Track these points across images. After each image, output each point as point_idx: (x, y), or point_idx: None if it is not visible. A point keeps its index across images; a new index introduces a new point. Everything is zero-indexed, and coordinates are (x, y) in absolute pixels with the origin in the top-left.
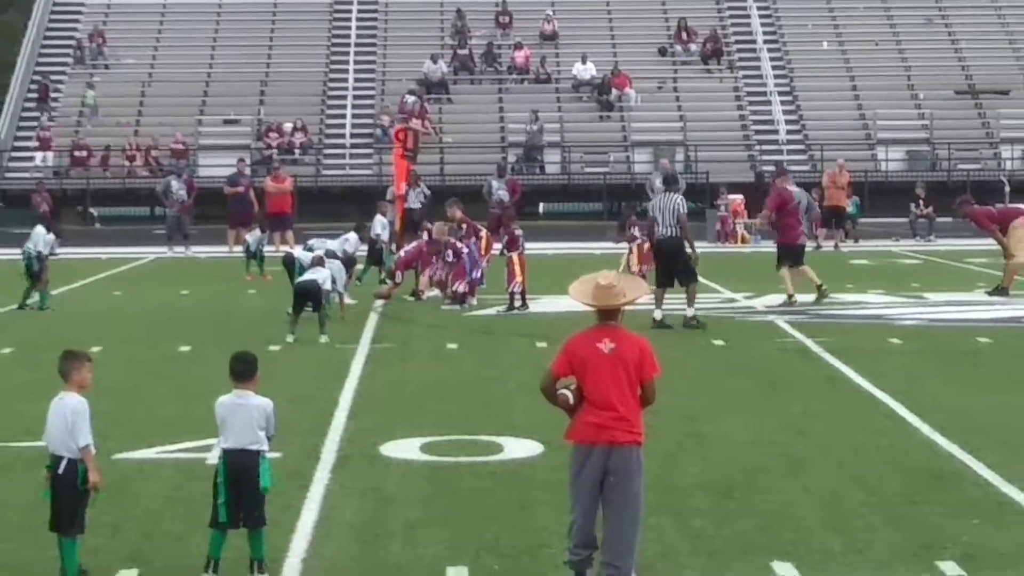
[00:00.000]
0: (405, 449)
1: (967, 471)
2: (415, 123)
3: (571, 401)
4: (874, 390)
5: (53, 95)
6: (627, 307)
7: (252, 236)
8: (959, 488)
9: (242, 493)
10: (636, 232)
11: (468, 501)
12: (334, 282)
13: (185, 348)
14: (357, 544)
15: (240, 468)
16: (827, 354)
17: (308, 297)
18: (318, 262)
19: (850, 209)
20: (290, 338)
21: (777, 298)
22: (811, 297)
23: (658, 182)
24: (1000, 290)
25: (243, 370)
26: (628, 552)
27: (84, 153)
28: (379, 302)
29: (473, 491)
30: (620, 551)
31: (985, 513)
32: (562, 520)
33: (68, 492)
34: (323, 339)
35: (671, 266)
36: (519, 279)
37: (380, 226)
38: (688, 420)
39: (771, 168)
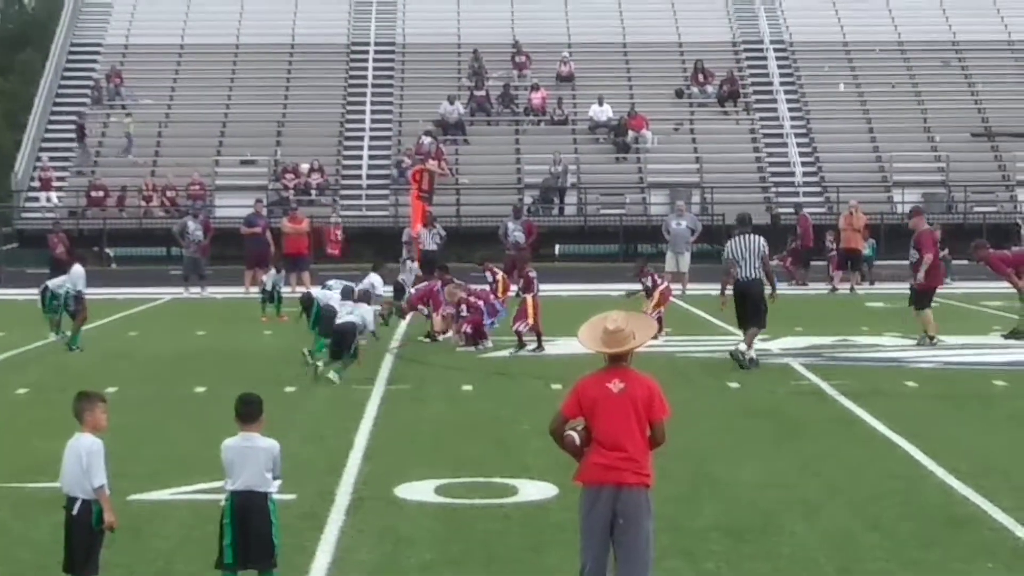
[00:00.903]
0: (419, 491)
1: (982, 515)
2: (432, 164)
3: (577, 442)
4: (889, 433)
5: (71, 134)
6: (638, 349)
7: (269, 276)
8: (974, 532)
9: (249, 535)
10: (652, 280)
11: (482, 543)
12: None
13: (201, 389)
14: None
15: (247, 510)
16: (842, 396)
17: (345, 338)
18: (363, 297)
19: (866, 251)
20: (314, 370)
21: (793, 340)
22: (830, 340)
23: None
24: (1016, 333)
25: (248, 412)
26: None
27: (101, 193)
28: (395, 343)
29: (487, 533)
30: None
31: (1000, 557)
32: (575, 562)
33: (82, 533)
34: (335, 377)
35: (746, 306)
36: (530, 320)
37: (410, 271)
38: (702, 462)
39: (788, 210)
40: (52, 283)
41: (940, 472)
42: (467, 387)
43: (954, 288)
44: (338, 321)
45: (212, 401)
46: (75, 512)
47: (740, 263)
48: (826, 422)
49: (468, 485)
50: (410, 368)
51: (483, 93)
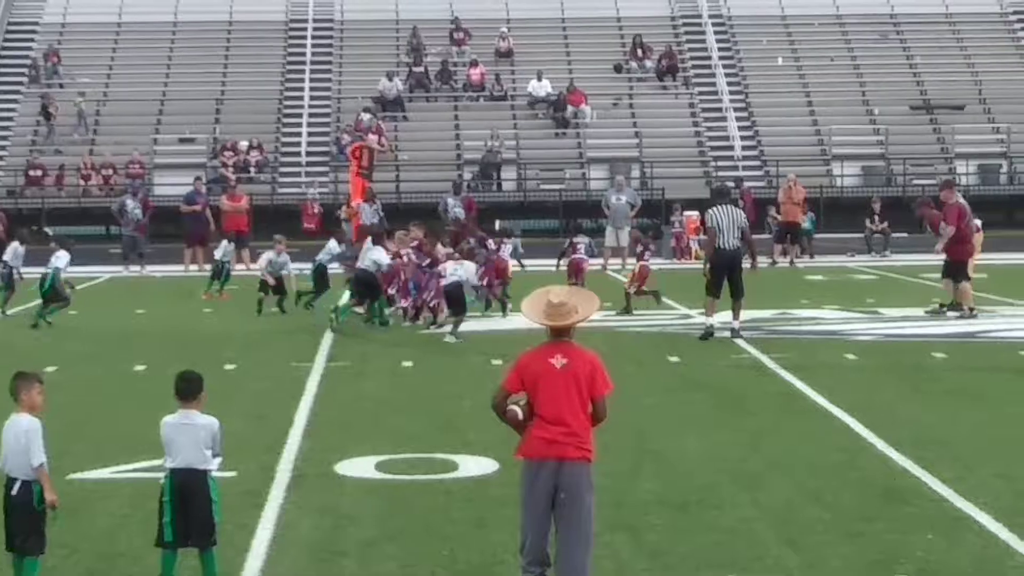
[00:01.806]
0: (360, 467)
1: (922, 486)
2: (371, 139)
3: (520, 417)
4: (829, 405)
5: (8, 114)
6: (581, 323)
7: (221, 248)
8: (914, 503)
9: (189, 513)
10: (642, 248)
11: (423, 519)
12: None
13: (141, 367)
14: (312, 562)
15: (187, 488)
16: (782, 370)
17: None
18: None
19: (806, 225)
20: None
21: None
22: (770, 314)
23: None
24: (954, 306)
25: (188, 389)
26: (581, 569)
27: (39, 172)
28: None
29: (428, 509)
30: (573, 568)
31: (940, 528)
32: (517, 537)
33: (24, 513)
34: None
35: (731, 278)
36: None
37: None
38: (643, 436)
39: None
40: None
41: (880, 444)
42: (407, 363)
43: (893, 261)
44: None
45: (153, 379)
46: (14, 492)
47: (721, 232)
48: (767, 396)
49: (409, 461)
50: (351, 345)
51: (422, 69)
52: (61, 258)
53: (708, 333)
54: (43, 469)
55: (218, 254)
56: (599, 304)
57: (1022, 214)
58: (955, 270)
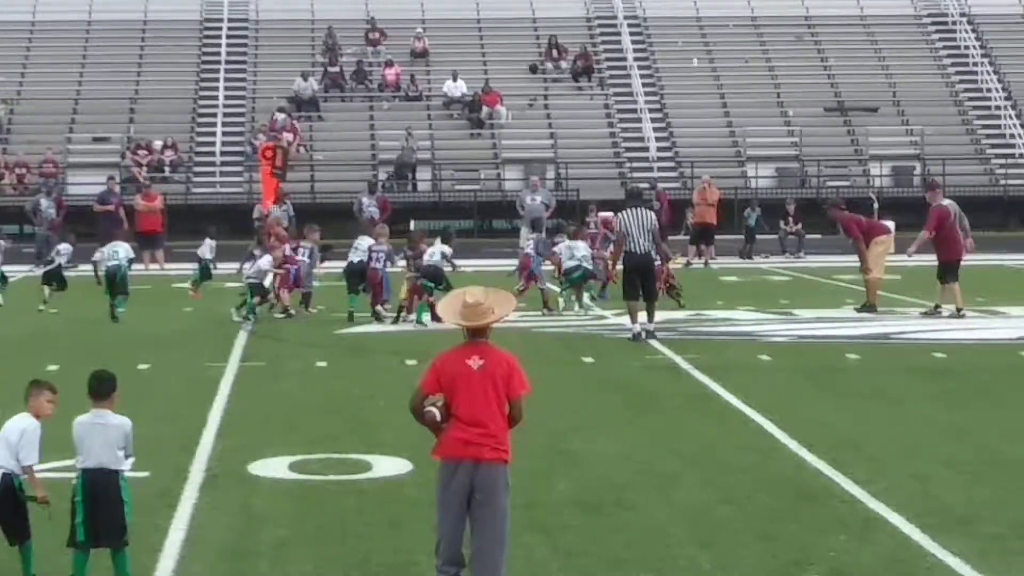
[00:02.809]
0: (274, 468)
1: (835, 487)
2: (286, 136)
3: (438, 418)
4: (743, 407)
5: None
6: (496, 324)
7: (206, 245)
8: (827, 504)
9: (100, 513)
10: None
11: (337, 519)
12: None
13: (53, 367)
14: (225, 563)
15: (98, 488)
16: (696, 371)
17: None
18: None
19: (750, 222)
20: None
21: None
22: (684, 315)
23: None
24: (867, 307)
25: (101, 389)
26: (496, 570)
27: None
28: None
29: (342, 509)
30: (488, 568)
31: (852, 529)
32: (431, 538)
33: (3, 503)
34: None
35: (643, 282)
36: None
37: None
38: (557, 437)
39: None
40: None
41: (793, 445)
42: (321, 363)
43: (807, 262)
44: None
45: (65, 379)
46: None
47: (631, 236)
48: (680, 396)
49: (323, 461)
50: (264, 345)
51: (337, 69)
52: (64, 252)
53: (636, 335)
54: (32, 470)
55: (204, 252)
56: (515, 304)
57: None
58: (945, 271)
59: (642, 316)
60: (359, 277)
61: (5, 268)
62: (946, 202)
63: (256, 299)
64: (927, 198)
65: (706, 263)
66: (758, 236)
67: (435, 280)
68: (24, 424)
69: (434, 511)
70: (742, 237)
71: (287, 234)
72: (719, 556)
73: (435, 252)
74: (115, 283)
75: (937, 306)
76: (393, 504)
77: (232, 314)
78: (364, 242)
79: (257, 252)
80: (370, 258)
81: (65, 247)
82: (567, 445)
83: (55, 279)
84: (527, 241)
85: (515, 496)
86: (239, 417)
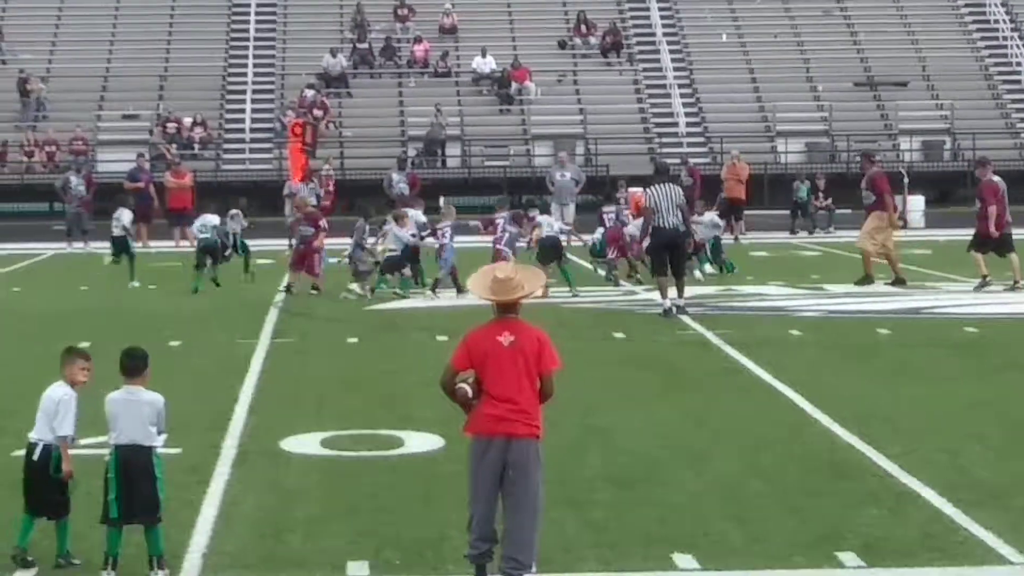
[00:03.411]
0: (305, 444)
1: (866, 461)
2: (316, 114)
3: (469, 395)
4: (774, 381)
5: None
6: (526, 300)
7: (234, 221)
8: (858, 479)
9: (134, 489)
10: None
11: (369, 495)
12: None
13: (85, 344)
14: (258, 539)
15: (131, 464)
16: (727, 346)
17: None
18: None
19: (801, 194)
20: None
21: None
22: (714, 290)
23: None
24: (898, 281)
25: (133, 365)
26: (528, 545)
27: None
28: (280, 296)
29: (374, 485)
30: (520, 544)
31: (884, 503)
32: (463, 513)
33: (44, 476)
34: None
35: (672, 257)
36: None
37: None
38: (588, 413)
39: (673, 160)
40: None
41: (825, 420)
42: (352, 340)
43: (837, 237)
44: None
45: (97, 356)
46: (36, 457)
47: (659, 212)
48: (711, 372)
49: (354, 437)
50: (295, 321)
51: (366, 46)
52: (124, 215)
53: (667, 311)
54: (66, 441)
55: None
56: (544, 281)
57: (965, 190)
58: (999, 244)
59: (672, 291)
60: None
61: (34, 246)
62: (996, 178)
63: (393, 273)
64: (977, 174)
65: (736, 238)
66: (807, 211)
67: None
68: (60, 393)
69: (466, 487)
70: (775, 211)
71: (315, 212)
72: (751, 531)
73: (553, 224)
74: (214, 254)
75: (1016, 282)
76: (425, 480)
77: (355, 288)
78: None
79: (388, 228)
80: (433, 233)
81: (124, 213)
82: (598, 420)
83: (120, 247)
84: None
85: (547, 471)
86: (271, 393)
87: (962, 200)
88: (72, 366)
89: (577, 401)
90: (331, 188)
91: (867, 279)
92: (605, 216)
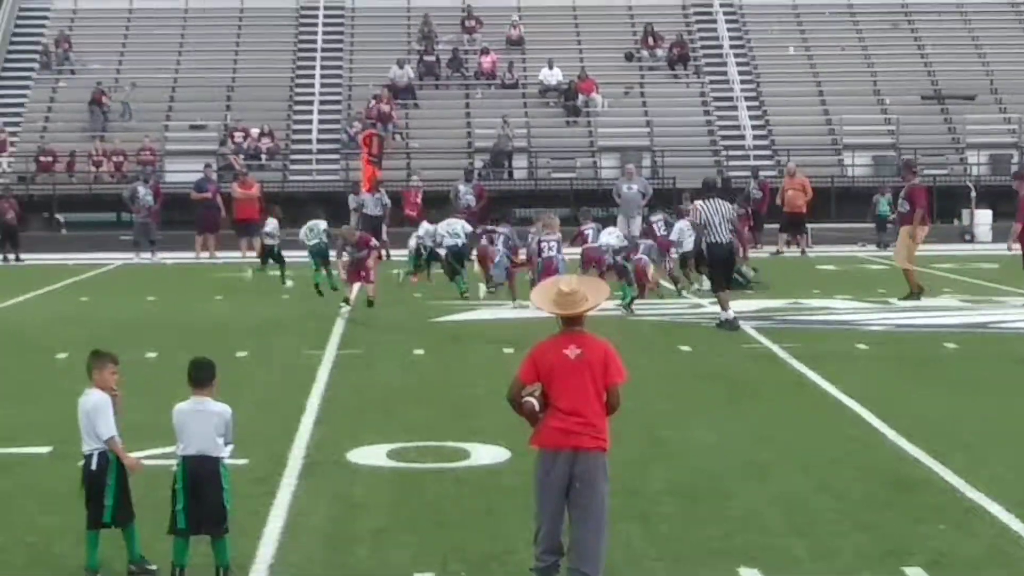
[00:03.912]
0: (372, 455)
1: (933, 476)
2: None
3: (536, 408)
4: (840, 395)
5: (20, 99)
6: (591, 312)
7: (270, 226)
8: (925, 493)
9: (201, 500)
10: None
11: (435, 507)
12: None
13: (152, 354)
14: (324, 550)
15: (199, 475)
16: (793, 360)
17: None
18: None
19: (882, 207)
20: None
21: (744, 304)
22: (781, 303)
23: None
24: (912, 295)
25: (201, 376)
26: (595, 558)
27: (50, 159)
28: (345, 308)
29: (440, 497)
30: (587, 557)
31: (951, 518)
32: (529, 526)
33: (104, 483)
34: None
35: (726, 271)
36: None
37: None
38: (654, 426)
39: (741, 173)
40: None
41: (891, 434)
42: (419, 351)
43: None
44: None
45: (164, 366)
46: (94, 467)
47: (711, 227)
48: (777, 385)
49: (420, 449)
50: (361, 333)
51: (433, 57)
52: (270, 224)
53: (732, 326)
54: (114, 441)
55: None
56: (608, 292)
57: None
58: None
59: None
60: (460, 260)
61: (101, 256)
62: None
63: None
64: (1015, 187)
65: (803, 251)
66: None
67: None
68: (93, 400)
69: (532, 499)
70: (841, 224)
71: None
72: (816, 545)
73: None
74: (325, 259)
75: None
76: (491, 492)
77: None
78: (457, 225)
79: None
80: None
81: (272, 223)
82: (664, 433)
83: (273, 258)
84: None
85: (612, 484)
86: (337, 405)
87: None
88: (103, 370)
89: (643, 414)
90: (418, 200)
91: (913, 293)
92: (655, 226)
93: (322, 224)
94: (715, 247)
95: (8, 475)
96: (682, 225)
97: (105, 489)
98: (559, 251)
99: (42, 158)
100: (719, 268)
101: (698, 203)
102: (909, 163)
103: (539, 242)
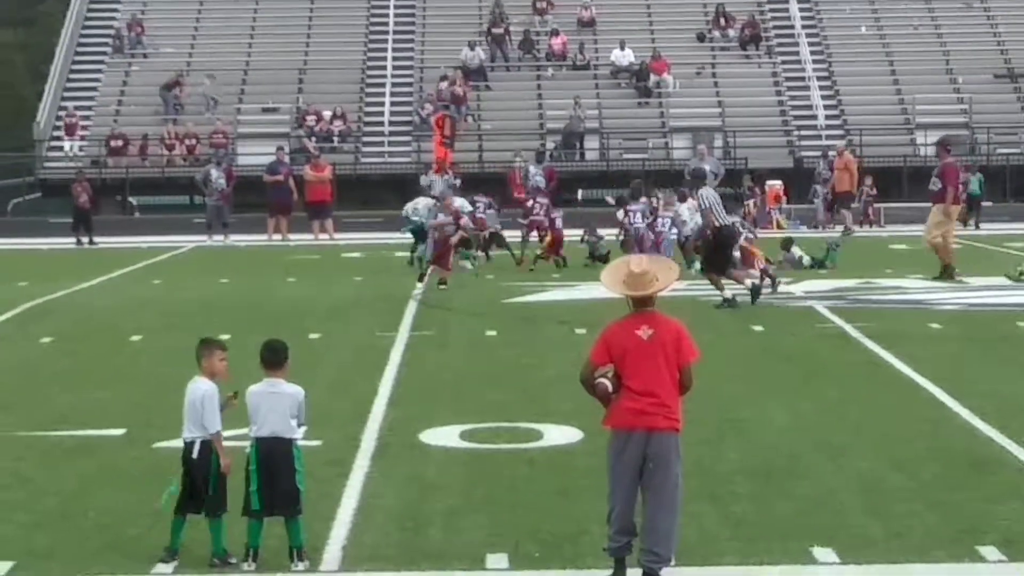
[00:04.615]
0: (444, 436)
1: (1007, 456)
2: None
3: (610, 390)
4: (914, 375)
5: (93, 84)
6: (661, 293)
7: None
8: (999, 472)
9: (275, 481)
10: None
11: (508, 488)
12: None
13: (225, 337)
14: (397, 531)
15: (272, 456)
16: (866, 339)
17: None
18: None
19: (973, 188)
20: None
21: (817, 283)
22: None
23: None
24: (945, 275)
25: (274, 358)
26: (668, 538)
27: (121, 143)
28: (418, 288)
29: (513, 478)
30: (660, 537)
31: None
32: (602, 507)
33: (205, 472)
34: None
35: (729, 255)
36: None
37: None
38: (727, 406)
39: (812, 154)
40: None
41: (965, 414)
42: (491, 332)
43: (978, 230)
44: None
45: (236, 348)
46: (195, 455)
47: (716, 212)
48: (850, 365)
49: (493, 430)
50: (434, 314)
51: (502, 33)
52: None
53: (732, 303)
54: (219, 436)
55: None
56: (678, 274)
57: None
58: None
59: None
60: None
61: (174, 238)
62: None
63: None
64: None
65: (846, 230)
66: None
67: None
68: (203, 389)
69: (604, 480)
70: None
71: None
72: (890, 525)
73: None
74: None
75: None
76: (563, 473)
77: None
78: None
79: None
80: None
81: (421, 201)
82: (737, 413)
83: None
84: (635, 211)
85: (685, 464)
86: (410, 386)
87: None
88: (211, 358)
89: (716, 394)
90: (519, 181)
91: (946, 272)
92: (631, 214)
93: (428, 202)
94: (726, 228)
95: (82, 458)
96: (688, 206)
97: (208, 479)
98: (671, 227)
99: (113, 142)
100: (727, 250)
101: (702, 191)
102: (943, 141)
103: (656, 219)
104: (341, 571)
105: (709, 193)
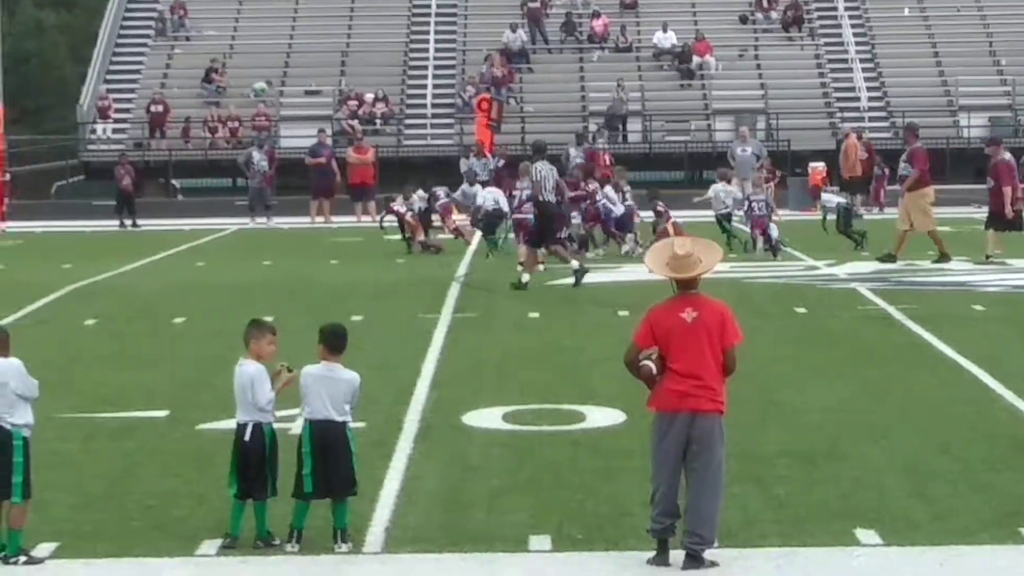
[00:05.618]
0: (488, 418)
1: None
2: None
3: (654, 372)
4: (957, 357)
5: (136, 66)
6: (706, 275)
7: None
8: None
9: (329, 464)
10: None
11: (551, 470)
12: None
13: (268, 319)
14: (440, 513)
15: (327, 439)
16: (910, 321)
17: None
18: None
19: None
20: None
21: (860, 265)
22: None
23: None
24: (888, 257)
25: (335, 342)
26: (711, 520)
27: (161, 108)
28: (462, 271)
29: (556, 460)
30: (703, 519)
31: None
32: (645, 488)
33: (257, 456)
34: None
35: (551, 228)
36: None
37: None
38: (770, 388)
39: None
40: None
41: (1009, 396)
42: (533, 314)
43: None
44: None
45: (280, 330)
46: (247, 438)
47: (544, 187)
48: (894, 347)
49: (536, 412)
50: (476, 296)
51: (538, 7)
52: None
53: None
54: (272, 400)
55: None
56: (722, 255)
57: None
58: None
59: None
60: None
61: (217, 221)
62: (1008, 156)
63: None
64: (987, 151)
65: (859, 214)
66: None
67: None
68: (251, 371)
69: (648, 462)
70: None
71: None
72: (934, 507)
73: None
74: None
75: None
76: (607, 455)
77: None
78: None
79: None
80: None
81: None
82: (780, 396)
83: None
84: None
85: (728, 447)
86: (453, 368)
87: None
88: (261, 340)
89: (759, 376)
90: (608, 162)
91: (944, 257)
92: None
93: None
94: (546, 204)
95: (127, 440)
96: (720, 187)
97: (260, 463)
98: (765, 210)
99: (153, 107)
100: (547, 223)
101: (536, 164)
102: (911, 127)
103: (749, 201)
104: (384, 552)
105: (543, 167)
